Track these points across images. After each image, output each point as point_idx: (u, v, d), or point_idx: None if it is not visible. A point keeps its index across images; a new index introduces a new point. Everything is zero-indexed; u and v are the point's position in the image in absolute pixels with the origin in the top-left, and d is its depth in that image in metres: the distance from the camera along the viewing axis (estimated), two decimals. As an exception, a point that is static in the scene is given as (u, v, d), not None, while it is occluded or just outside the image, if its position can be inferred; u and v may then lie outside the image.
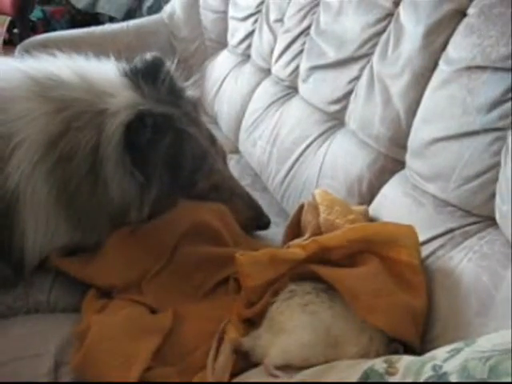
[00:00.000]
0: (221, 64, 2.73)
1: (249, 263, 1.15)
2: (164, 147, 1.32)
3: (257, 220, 1.56)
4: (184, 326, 1.20)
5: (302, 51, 1.97)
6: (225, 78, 2.60)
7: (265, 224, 1.57)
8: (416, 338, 1.10)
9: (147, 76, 1.38)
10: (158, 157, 1.32)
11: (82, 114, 1.29)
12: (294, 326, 1.08)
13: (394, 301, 1.10)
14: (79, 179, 1.28)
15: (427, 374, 0.87)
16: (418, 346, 1.10)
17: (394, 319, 1.08)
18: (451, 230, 1.20)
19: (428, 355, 0.93)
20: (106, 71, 1.41)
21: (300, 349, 1.06)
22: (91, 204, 1.30)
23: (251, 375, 1.06)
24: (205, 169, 1.43)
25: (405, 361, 0.94)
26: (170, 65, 1.45)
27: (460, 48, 1.29)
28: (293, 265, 1.15)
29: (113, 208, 1.31)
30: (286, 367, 1.06)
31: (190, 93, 1.49)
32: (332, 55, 1.76)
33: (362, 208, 1.38)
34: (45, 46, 2.30)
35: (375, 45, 1.59)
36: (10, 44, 4.09)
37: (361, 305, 1.08)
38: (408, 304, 1.11)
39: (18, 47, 2.63)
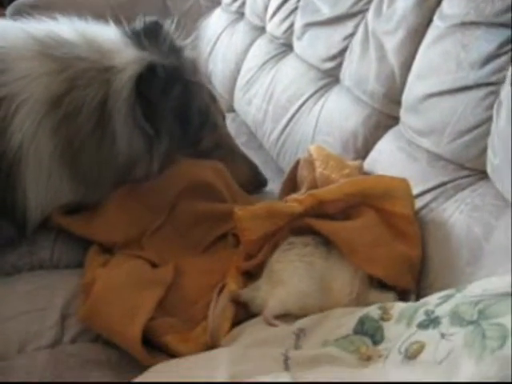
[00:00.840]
0: (215, 23, 2.72)
1: (247, 217, 1.18)
2: (174, 99, 1.33)
3: (255, 179, 1.59)
4: (185, 279, 1.23)
5: (296, 8, 1.97)
6: (219, 37, 2.59)
7: (262, 182, 1.61)
8: (412, 285, 1.14)
9: (148, 36, 1.39)
10: (168, 109, 1.33)
11: (86, 72, 1.29)
12: (291, 275, 1.11)
13: (391, 251, 1.14)
14: (85, 136, 1.28)
15: (420, 318, 0.91)
16: (415, 292, 1.14)
17: (392, 268, 1.11)
18: (444, 184, 1.23)
19: (421, 302, 0.97)
20: (107, 32, 1.41)
21: (297, 297, 1.10)
22: (97, 160, 1.31)
23: (250, 325, 1.10)
24: (209, 124, 1.46)
25: (398, 307, 0.98)
26: (169, 26, 1.46)
27: (454, 4, 1.30)
28: (290, 218, 1.18)
29: (118, 164, 1.32)
30: (285, 316, 1.10)
31: (189, 52, 1.49)
32: (327, 12, 1.77)
33: (356, 163, 1.41)
34: (35, 7, 2.29)
35: (370, 1, 1.60)
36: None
37: (359, 256, 1.11)
38: (404, 253, 1.14)
39: (9, 8, 2.60)
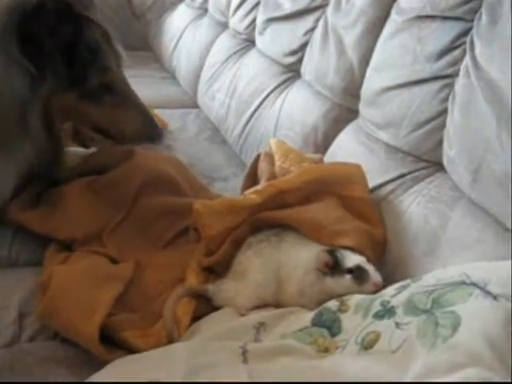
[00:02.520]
0: (178, 18, 2.71)
1: (206, 213, 1.18)
2: (62, 35, 1.26)
3: (149, 129, 1.50)
4: (145, 274, 1.23)
5: (258, 3, 1.98)
6: (182, 33, 2.59)
7: (155, 135, 1.52)
8: (375, 264, 1.14)
9: None
10: (55, 46, 1.26)
11: None
12: (249, 270, 1.14)
13: (357, 226, 1.17)
14: None
15: (376, 309, 0.93)
16: None
17: (360, 240, 1.14)
18: (402, 176, 1.24)
19: (377, 294, 0.99)
20: None
21: (256, 288, 1.12)
22: None
23: (210, 319, 1.11)
24: (98, 64, 1.36)
25: (355, 299, 1.00)
26: None
27: (411, -2, 1.32)
28: (250, 211, 1.18)
29: (7, 109, 1.25)
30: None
31: None
32: (287, 7, 1.78)
33: (316, 156, 1.42)
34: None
35: (330, -4, 1.61)
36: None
37: (326, 232, 1.13)
38: (368, 231, 1.17)
39: None
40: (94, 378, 0.93)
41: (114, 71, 1.41)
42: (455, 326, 0.79)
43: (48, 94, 1.28)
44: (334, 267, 1.07)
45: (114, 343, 1.07)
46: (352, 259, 1.08)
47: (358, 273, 1.06)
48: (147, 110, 1.50)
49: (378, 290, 1.03)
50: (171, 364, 0.90)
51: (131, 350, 1.05)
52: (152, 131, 1.51)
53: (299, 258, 1.12)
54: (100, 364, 0.98)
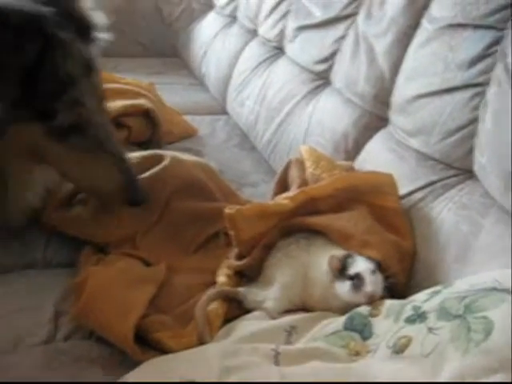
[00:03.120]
0: (208, 26, 2.74)
1: (238, 217, 1.20)
2: (23, 54, 1.09)
3: (126, 192, 1.25)
4: (177, 277, 1.25)
5: (288, 12, 2.00)
6: (212, 40, 2.62)
7: (136, 200, 1.27)
8: (402, 275, 1.16)
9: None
10: (11, 66, 1.09)
11: None
12: (279, 272, 1.16)
13: (385, 238, 1.17)
14: None
15: (407, 313, 0.93)
16: (403, 284, 1.16)
17: (387, 253, 1.14)
18: (432, 183, 1.25)
19: (408, 299, 0.99)
20: None
21: (285, 291, 1.14)
22: None
23: (242, 321, 1.12)
24: (67, 96, 1.16)
25: (387, 303, 1.01)
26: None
27: (442, 7, 1.33)
28: (281, 217, 1.20)
29: None
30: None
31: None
32: (318, 15, 1.79)
33: (347, 163, 1.43)
34: None
35: (360, 4, 1.62)
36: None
37: (354, 241, 1.14)
38: (397, 242, 1.18)
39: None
40: (129, 377, 0.94)
41: (88, 109, 1.20)
42: (488, 331, 0.79)
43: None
44: (341, 272, 1.08)
45: (147, 344, 1.09)
46: (358, 266, 1.07)
47: (357, 281, 1.06)
48: (129, 164, 1.27)
49: (371, 301, 1.03)
50: (205, 364, 0.92)
51: (164, 351, 1.07)
52: (132, 194, 1.25)
53: (325, 261, 1.12)
54: (134, 364, 1.00)
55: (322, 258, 1.12)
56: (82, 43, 1.23)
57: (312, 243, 1.17)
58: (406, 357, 0.87)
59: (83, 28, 1.25)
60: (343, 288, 1.07)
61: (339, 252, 1.12)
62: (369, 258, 1.10)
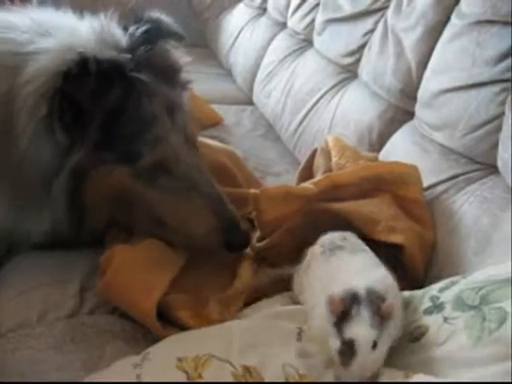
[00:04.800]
0: (237, 17, 2.77)
1: (263, 198, 1.21)
2: (105, 100, 1.11)
3: (225, 234, 1.18)
4: (199, 259, 1.27)
5: (318, 4, 2.02)
6: (240, 31, 2.64)
7: (237, 242, 1.19)
8: (422, 264, 1.18)
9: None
10: (94, 112, 1.10)
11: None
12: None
13: (409, 225, 1.18)
14: None
15: (426, 305, 0.94)
16: (422, 273, 1.18)
17: (411, 240, 1.15)
18: (455, 176, 1.26)
19: (426, 288, 1.01)
20: (76, 23, 1.23)
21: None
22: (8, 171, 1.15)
23: (267, 303, 1.13)
24: (149, 135, 1.16)
25: (405, 294, 1.02)
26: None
27: (472, 3, 1.33)
28: (305, 200, 1.21)
29: (30, 177, 1.15)
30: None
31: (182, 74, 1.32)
32: (347, 8, 1.81)
33: (372, 155, 1.45)
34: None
35: (390, -2, 1.63)
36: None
37: (381, 227, 1.15)
38: (419, 232, 1.19)
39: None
40: (150, 351, 0.97)
41: (172, 146, 1.18)
42: (502, 321, 0.80)
43: (81, 166, 1.14)
44: (342, 318, 0.85)
45: (169, 322, 1.12)
46: (357, 328, 0.84)
47: (347, 348, 0.83)
48: (226, 205, 1.20)
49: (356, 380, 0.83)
50: (225, 339, 0.94)
51: (184, 330, 1.09)
52: (229, 237, 1.18)
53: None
54: (155, 339, 1.02)
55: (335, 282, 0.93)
56: (163, 84, 1.23)
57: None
58: (422, 345, 0.88)
59: (165, 71, 1.26)
60: (333, 344, 0.85)
61: (345, 286, 0.89)
62: (393, 243, 1.08)
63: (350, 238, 1.06)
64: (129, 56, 1.17)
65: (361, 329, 0.83)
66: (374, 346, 0.83)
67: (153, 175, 1.17)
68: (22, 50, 1.14)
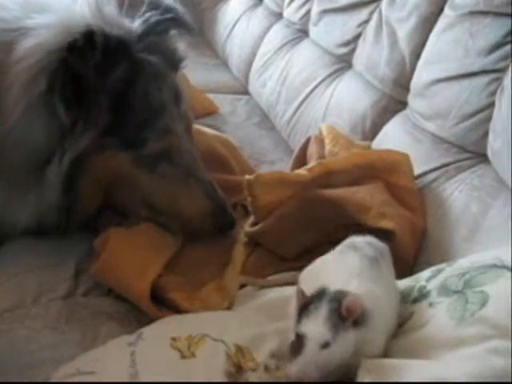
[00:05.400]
0: (233, 7, 2.77)
1: (258, 184, 1.22)
2: (111, 78, 1.08)
3: (216, 217, 1.25)
4: (194, 244, 1.29)
5: (314, -5, 2.02)
6: (237, 22, 2.64)
7: (227, 224, 1.27)
8: (413, 250, 1.20)
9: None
10: (98, 89, 1.07)
11: None
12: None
13: (400, 212, 1.20)
14: None
15: (414, 295, 0.95)
16: (412, 259, 1.19)
17: (401, 226, 1.17)
18: (446, 165, 1.28)
19: (413, 277, 1.01)
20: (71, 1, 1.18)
21: None
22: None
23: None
24: (159, 124, 1.16)
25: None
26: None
27: (465, -7, 1.35)
28: (299, 187, 1.23)
29: (22, 160, 1.11)
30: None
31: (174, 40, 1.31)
32: (343, -1, 1.82)
33: (365, 143, 1.47)
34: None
35: (385, -11, 1.64)
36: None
37: (372, 213, 1.17)
38: (410, 219, 1.21)
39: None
40: (144, 331, 0.98)
41: (178, 137, 1.21)
42: (483, 302, 0.81)
43: (80, 151, 1.12)
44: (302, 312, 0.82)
45: (163, 304, 1.13)
46: (311, 324, 0.80)
47: (297, 343, 0.80)
48: (216, 189, 1.27)
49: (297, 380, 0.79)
50: (221, 322, 0.96)
51: (178, 312, 1.10)
52: (220, 219, 1.26)
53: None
54: (149, 321, 1.04)
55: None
56: (170, 71, 1.24)
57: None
58: (405, 330, 0.89)
59: (172, 58, 1.27)
60: (290, 335, 0.83)
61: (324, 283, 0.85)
62: (385, 229, 1.09)
63: (384, 251, 0.98)
64: (135, 36, 1.16)
65: (313, 325, 0.79)
66: (326, 345, 0.77)
67: (154, 162, 1.19)
68: (13, 27, 1.11)
